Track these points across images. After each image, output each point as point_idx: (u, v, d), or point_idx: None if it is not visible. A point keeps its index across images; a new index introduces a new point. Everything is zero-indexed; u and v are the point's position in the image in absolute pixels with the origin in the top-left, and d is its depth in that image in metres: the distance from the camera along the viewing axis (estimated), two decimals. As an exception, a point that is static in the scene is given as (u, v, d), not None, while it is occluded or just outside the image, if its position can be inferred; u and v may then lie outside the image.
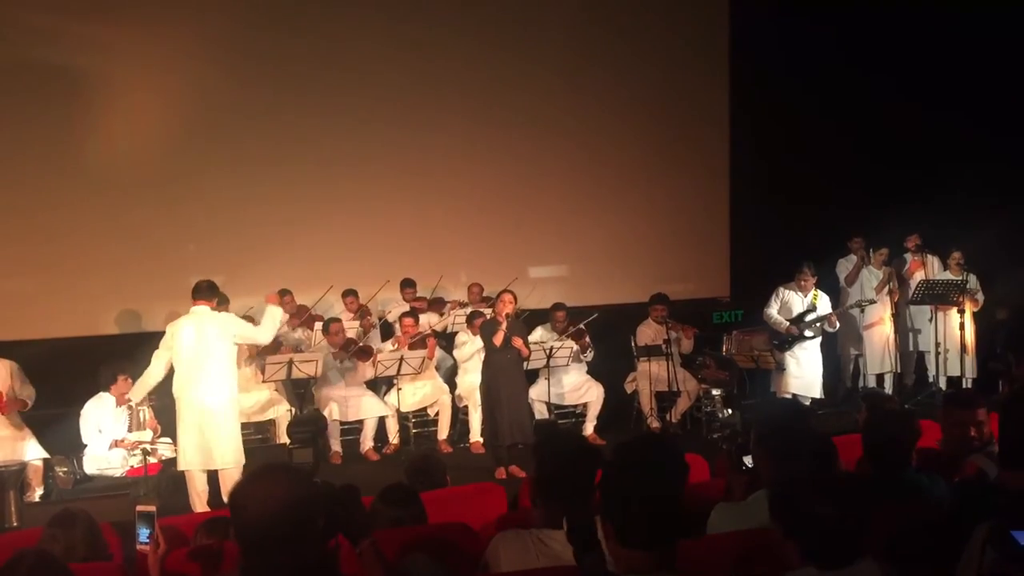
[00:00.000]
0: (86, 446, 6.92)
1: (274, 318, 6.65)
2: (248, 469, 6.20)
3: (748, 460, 3.34)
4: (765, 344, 8.67)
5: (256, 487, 2.08)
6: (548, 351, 8.04)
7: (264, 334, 6.70)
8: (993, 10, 9.58)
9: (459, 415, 8.58)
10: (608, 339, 8.86)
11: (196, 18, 9.15)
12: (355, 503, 2.57)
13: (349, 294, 9.19)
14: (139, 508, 3.39)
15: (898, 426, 3.72)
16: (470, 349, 8.25)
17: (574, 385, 8.52)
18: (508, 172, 10.48)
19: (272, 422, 8.02)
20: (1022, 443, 2.76)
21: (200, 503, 6.26)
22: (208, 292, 6.39)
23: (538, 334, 8.47)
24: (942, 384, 9.12)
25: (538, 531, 2.87)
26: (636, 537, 2.19)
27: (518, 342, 7.39)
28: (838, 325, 8.74)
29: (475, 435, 8.23)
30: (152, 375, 6.35)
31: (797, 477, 2.56)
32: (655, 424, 8.47)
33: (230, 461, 6.25)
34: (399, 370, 7.99)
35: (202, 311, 6.33)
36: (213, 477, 6.36)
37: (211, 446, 6.23)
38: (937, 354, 9.16)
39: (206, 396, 6.23)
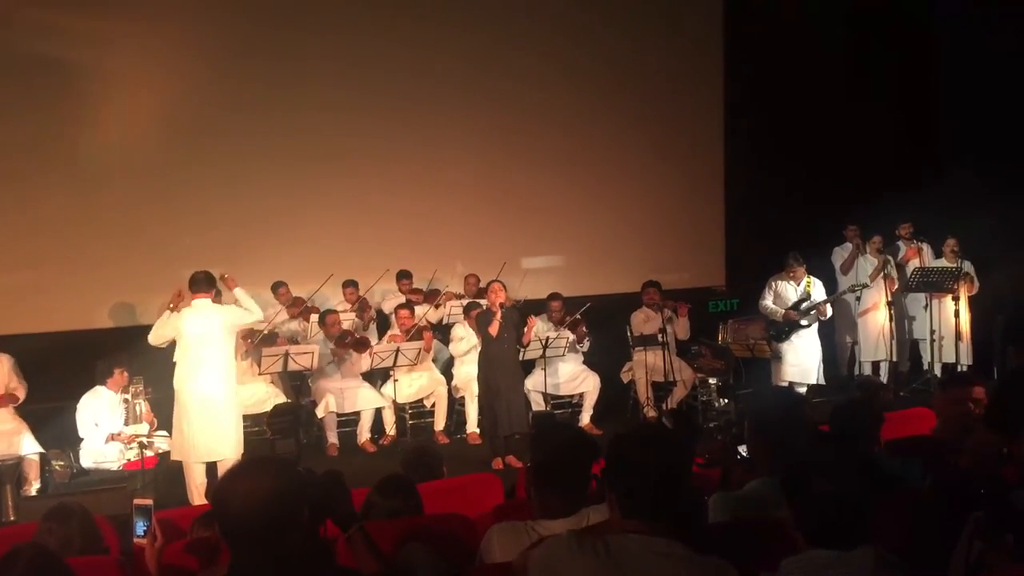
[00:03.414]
0: (83, 440, 6.92)
1: (245, 296, 6.76)
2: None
3: (743, 449, 3.34)
4: (761, 333, 8.68)
5: (237, 483, 2.08)
6: (544, 341, 8.05)
7: (253, 312, 6.74)
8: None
9: (455, 406, 8.59)
10: (604, 329, 8.87)
11: (190, 11, 9.10)
12: (339, 490, 2.55)
13: (349, 285, 9.17)
14: (136, 502, 3.39)
15: (854, 413, 3.81)
16: (466, 345, 8.25)
17: (570, 375, 8.53)
18: (503, 163, 10.45)
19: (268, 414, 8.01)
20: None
21: (198, 495, 6.30)
22: (206, 284, 6.49)
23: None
24: (937, 371, 9.15)
25: (534, 522, 2.88)
26: (641, 507, 2.25)
27: (532, 322, 7.46)
28: (829, 313, 8.74)
29: (471, 426, 8.24)
30: (152, 337, 6.49)
31: (806, 460, 2.61)
32: (651, 413, 8.48)
33: (229, 452, 6.29)
34: (395, 361, 8.00)
35: (204, 304, 6.44)
36: (211, 469, 6.39)
37: (213, 438, 6.29)
38: (932, 341, 9.19)
39: (208, 388, 6.32)
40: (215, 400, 6.34)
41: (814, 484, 2.46)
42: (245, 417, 7.11)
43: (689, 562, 2.22)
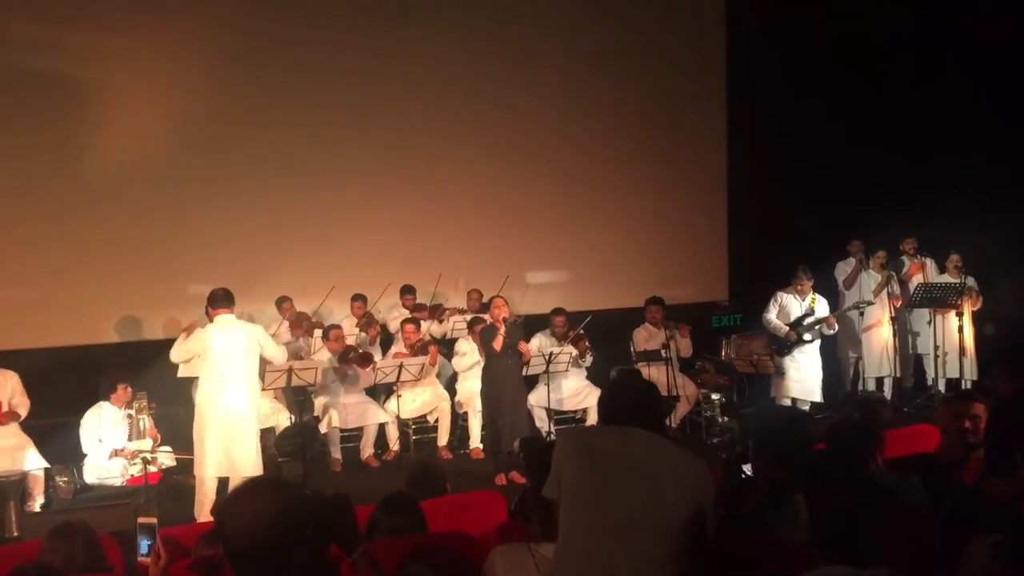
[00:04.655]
0: (86, 455, 6.92)
1: (285, 352, 6.97)
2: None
3: (747, 468, 3.34)
4: (764, 348, 8.69)
5: (240, 505, 2.08)
6: (548, 356, 8.04)
7: (281, 357, 6.89)
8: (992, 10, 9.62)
9: (459, 421, 8.59)
10: (607, 344, 8.87)
11: (194, 26, 9.14)
12: (345, 513, 2.56)
13: (357, 299, 9.14)
14: (140, 520, 3.39)
15: (851, 431, 3.80)
16: (470, 360, 8.26)
17: (574, 390, 8.52)
18: (507, 177, 10.48)
19: (272, 430, 8.00)
20: (1005, 450, 2.80)
21: (205, 511, 6.27)
22: (227, 300, 6.50)
23: (537, 340, 8.46)
24: (941, 387, 9.14)
25: (536, 545, 2.88)
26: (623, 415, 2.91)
27: (524, 347, 7.46)
28: (837, 327, 8.75)
29: (475, 441, 8.24)
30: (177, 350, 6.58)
31: (823, 474, 2.62)
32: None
33: (247, 470, 6.28)
34: (399, 377, 8.00)
35: (228, 319, 6.45)
36: (222, 486, 6.37)
37: (231, 454, 6.29)
38: (936, 357, 9.18)
39: (232, 405, 6.31)
40: (238, 417, 6.33)
41: (836, 500, 2.45)
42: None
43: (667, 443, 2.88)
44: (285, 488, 2.16)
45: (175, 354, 6.59)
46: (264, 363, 7.64)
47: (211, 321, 6.55)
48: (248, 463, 6.32)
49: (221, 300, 6.46)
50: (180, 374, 7.12)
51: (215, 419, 6.30)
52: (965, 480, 3.72)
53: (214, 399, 6.31)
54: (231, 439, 6.30)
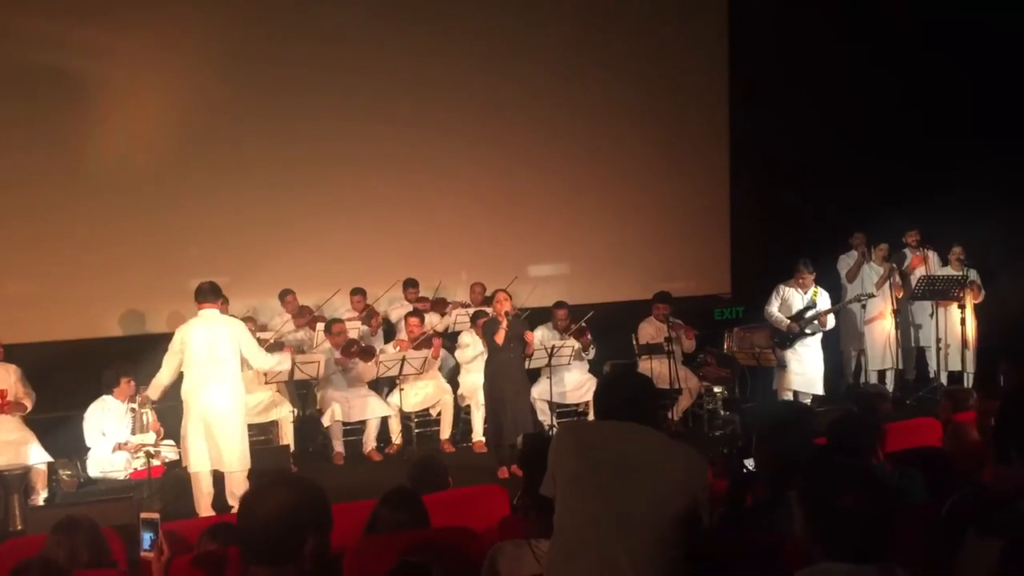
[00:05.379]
0: (89, 449, 6.94)
1: (277, 360, 6.99)
2: (253, 471, 6.33)
3: (749, 463, 3.34)
4: (766, 341, 8.68)
5: (262, 500, 2.12)
6: (550, 350, 8.05)
7: (262, 362, 6.75)
8: (995, 8, 9.58)
9: (461, 415, 8.60)
10: (610, 337, 8.87)
11: (197, 21, 9.13)
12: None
13: (357, 293, 9.17)
14: (143, 515, 3.39)
15: (852, 425, 3.80)
16: (473, 352, 8.27)
17: (576, 384, 8.52)
18: (509, 171, 10.47)
19: (275, 423, 8.02)
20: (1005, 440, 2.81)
21: (205, 505, 6.30)
22: (212, 294, 6.46)
23: (540, 333, 8.46)
24: (943, 380, 9.13)
25: (536, 541, 2.90)
26: (618, 409, 2.93)
27: (530, 336, 7.47)
28: (830, 324, 8.62)
29: (477, 435, 8.26)
30: (164, 377, 6.42)
31: (829, 469, 2.61)
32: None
33: (237, 464, 6.31)
34: (401, 370, 8.01)
35: (211, 315, 6.41)
36: (218, 480, 6.40)
37: (219, 448, 6.30)
38: (938, 349, 9.18)
39: (215, 399, 6.31)
40: (222, 412, 6.33)
41: (843, 498, 2.44)
42: (251, 426, 7.12)
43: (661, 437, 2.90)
44: (304, 484, 2.20)
45: (166, 376, 6.42)
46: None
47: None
48: (232, 459, 6.34)
49: (204, 294, 6.43)
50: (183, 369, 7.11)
51: (198, 415, 6.31)
52: (982, 475, 3.72)
53: (195, 394, 6.32)
54: (214, 435, 6.31)
